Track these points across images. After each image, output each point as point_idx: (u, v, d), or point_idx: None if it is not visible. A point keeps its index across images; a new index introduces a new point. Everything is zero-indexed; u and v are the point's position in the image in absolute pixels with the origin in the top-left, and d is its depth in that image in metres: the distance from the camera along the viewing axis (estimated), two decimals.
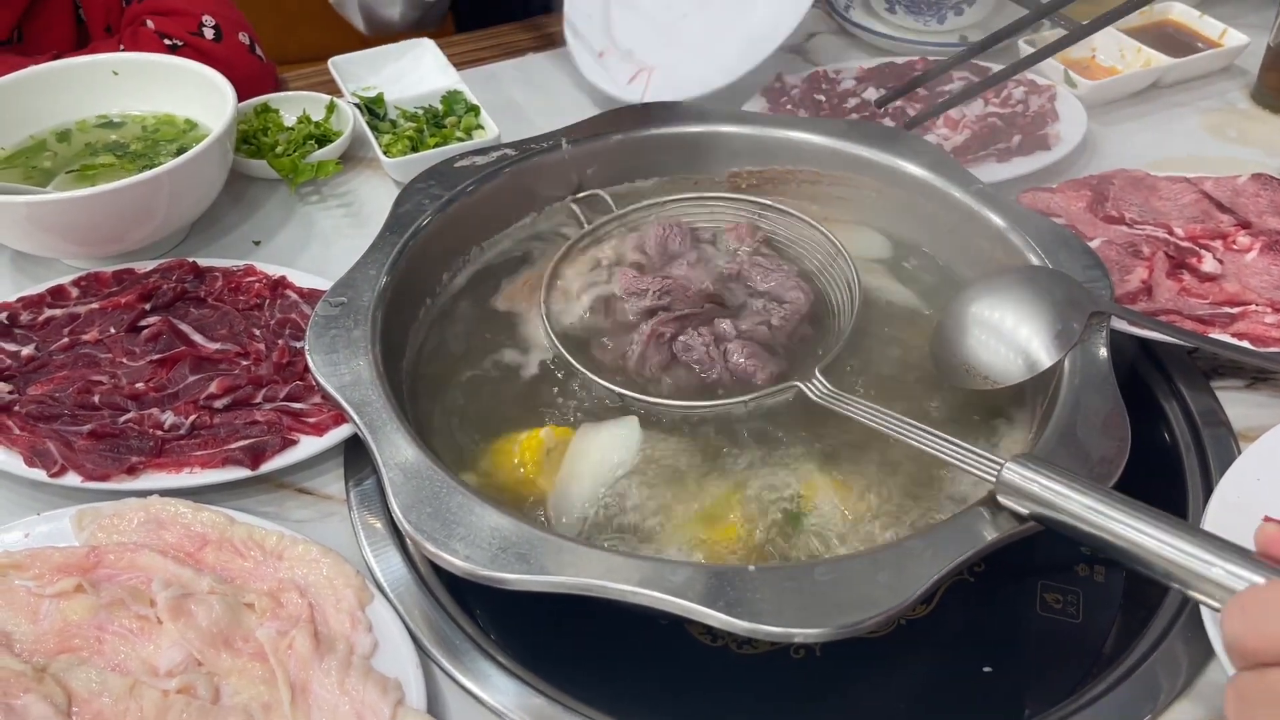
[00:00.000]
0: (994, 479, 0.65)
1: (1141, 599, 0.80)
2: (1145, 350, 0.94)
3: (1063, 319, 0.81)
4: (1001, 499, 0.65)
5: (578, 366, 0.83)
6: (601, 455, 0.78)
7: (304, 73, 1.39)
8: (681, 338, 0.85)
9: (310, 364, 0.79)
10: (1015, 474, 0.64)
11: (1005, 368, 0.81)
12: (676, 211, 0.99)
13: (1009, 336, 0.82)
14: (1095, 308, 0.82)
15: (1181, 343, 0.88)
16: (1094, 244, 0.97)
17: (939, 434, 0.70)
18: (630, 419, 0.81)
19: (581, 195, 1.01)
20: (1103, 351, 0.79)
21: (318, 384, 0.78)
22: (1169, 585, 0.59)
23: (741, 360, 0.83)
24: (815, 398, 0.78)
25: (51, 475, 0.80)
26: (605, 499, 0.77)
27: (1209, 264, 0.96)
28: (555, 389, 0.86)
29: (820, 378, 0.79)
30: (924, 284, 0.96)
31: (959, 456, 0.68)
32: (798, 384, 0.79)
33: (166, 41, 1.19)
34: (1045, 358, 0.80)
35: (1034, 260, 0.89)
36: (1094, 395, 0.76)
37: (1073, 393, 0.77)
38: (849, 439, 0.80)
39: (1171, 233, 0.99)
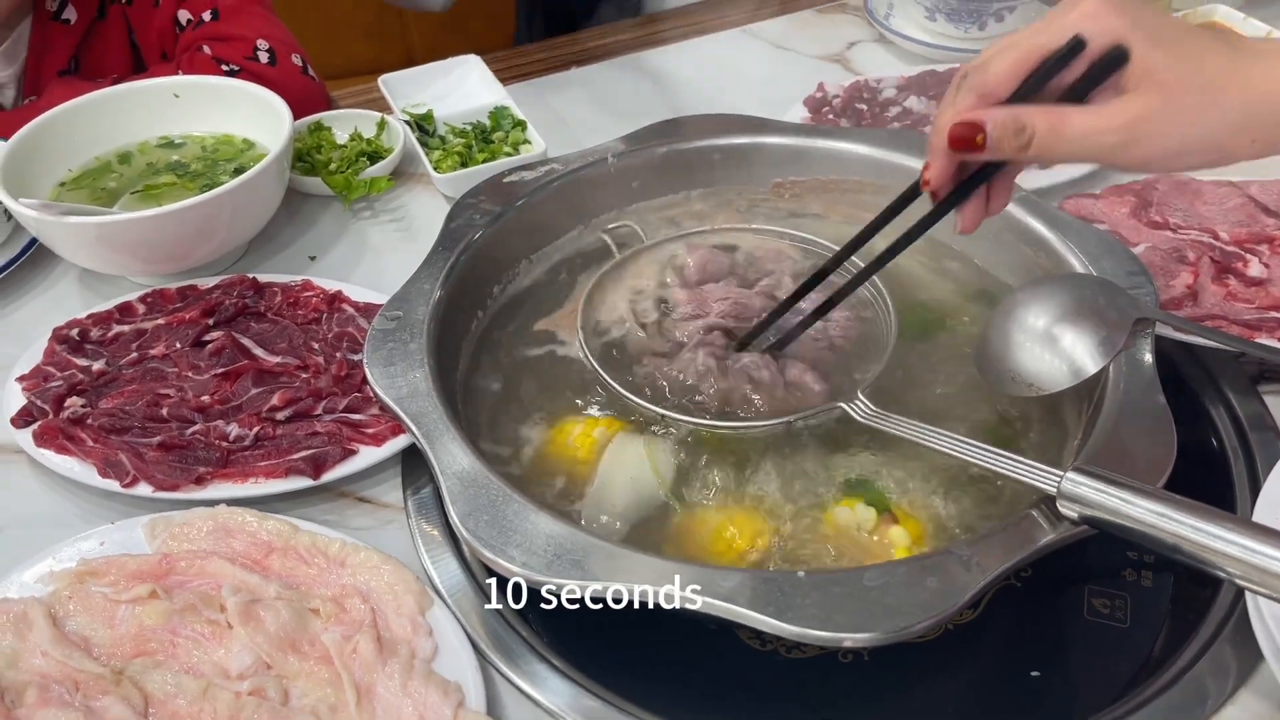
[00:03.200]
0: (1055, 489, 0.66)
1: (1190, 603, 0.81)
2: (1191, 355, 0.94)
3: (1107, 326, 0.82)
4: (1063, 508, 0.66)
5: (621, 391, 0.84)
6: (638, 467, 0.80)
7: (354, 90, 1.43)
8: (745, 359, 0.86)
9: (369, 377, 0.82)
10: (1076, 483, 0.65)
11: (1051, 374, 0.82)
12: (709, 240, 1.00)
13: (1054, 344, 0.83)
14: (1140, 314, 0.82)
15: (1228, 348, 0.88)
16: (1138, 250, 0.98)
17: (993, 449, 0.71)
18: (667, 438, 0.83)
19: (612, 226, 1.03)
20: (1148, 357, 0.80)
21: (376, 396, 0.81)
22: (1234, 584, 0.60)
23: (805, 378, 0.85)
24: (860, 418, 0.79)
25: (124, 486, 0.83)
26: (643, 513, 0.78)
27: (1255, 269, 0.96)
28: (603, 396, 0.88)
29: (863, 398, 0.80)
30: (967, 293, 0.97)
31: (1016, 469, 0.69)
32: (841, 405, 0.80)
33: (224, 67, 1.23)
34: (1090, 364, 0.80)
35: (1078, 267, 0.89)
36: (1140, 401, 0.77)
37: (1118, 399, 0.78)
38: (889, 458, 0.81)
39: (1216, 238, 0.99)
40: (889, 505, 0.78)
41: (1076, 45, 0.63)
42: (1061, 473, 0.66)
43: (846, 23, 1.53)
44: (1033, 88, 0.65)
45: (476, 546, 0.69)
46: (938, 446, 0.74)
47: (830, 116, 1.24)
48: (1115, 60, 0.63)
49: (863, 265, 0.81)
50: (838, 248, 0.83)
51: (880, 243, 0.78)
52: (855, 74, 1.39)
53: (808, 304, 0.86)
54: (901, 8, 1.47)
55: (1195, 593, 0.80)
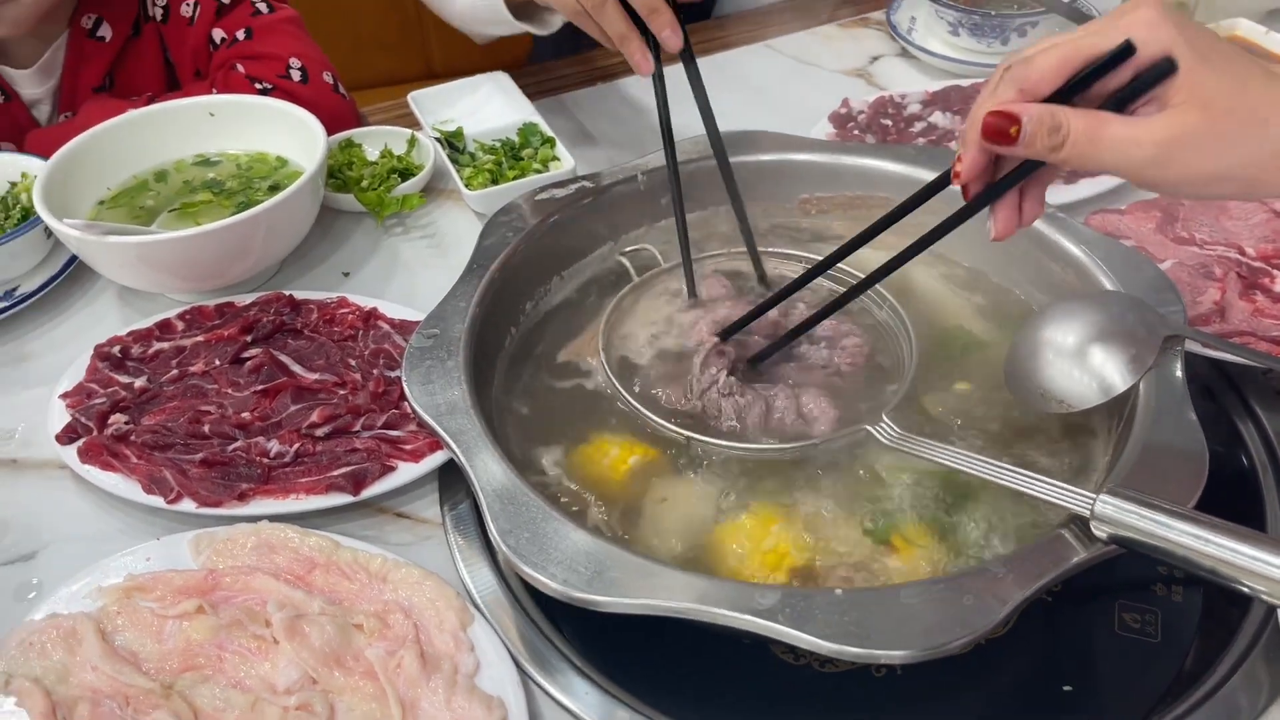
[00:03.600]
0: (1089, 511, 0.67)
1: (1221, 619, 0.81)
2: (1220, 371, 0.95)
3: (1137, 343, 0.82)
4: (1095, 529, 0.67)
5: (649, 415, 0.85)
6: (686, 510, 0.81)
7: (382, 106, 1.45)
8: (757, 385, 0.87)
9: (407, 394, 0.83)
10: (1109, 506, 0.66)
11: (1081, 392, 0.82)
12: (725, 264, 1.02)
13: (1084, 361, 0.83)
14: (1169, 331, 0.83)
15: (1256, 364, 0.89)
16: (1165, 266, 0.99)
17: (1024, 471, 0.72)
18: (701, 475, 0.84)
19: (629, 249, 1.04)
20: (1179, 374, 0.81)
21: (415, 413, 0.82)
22: (1267, 603, 0.61)
23: (813, 405, 0.86)
24: (885, 441, 0.80)
25: (169, 502, 0.85)
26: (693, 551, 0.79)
27: None
28: (629, 418, 0.88)
29: (888, 421, 0.81)
30: (993, 310, 0.97)
31: (1048, 492, 0.70)
32: (866, 427, 0.81)
33: (257, 85, 1.25)
34: (1120, 382, 0.81)
35: (1106, 284, 0.90)
36: (1171, 418, 0.77)
37: (1149, 416, 0.78)
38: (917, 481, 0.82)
39: (1243, 253, 1.00)
40: (889, 537, 0.79)
41: (1126, 50, 0.62)
42: (1094, 495, 0.67)
43: (869, 37, 1.54)
44: (1075, 89, 0.64)
45: (517, 563, 0.70)
46: (967, 469, 0.74)
47: (855, 132, 1.25)
48: (1163, 71, 0.62)
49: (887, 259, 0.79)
50: (852, 269, 0.84)
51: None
52: (879, 89, 1.40)
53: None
54: (924, 22, 1.48)
55: (1226, 608, 0.81)
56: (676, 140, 0.99)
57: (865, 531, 0.79)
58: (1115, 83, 0.64)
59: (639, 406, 0.86)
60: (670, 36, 0.95)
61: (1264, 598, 0.62)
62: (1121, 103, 0.64)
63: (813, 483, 0.82)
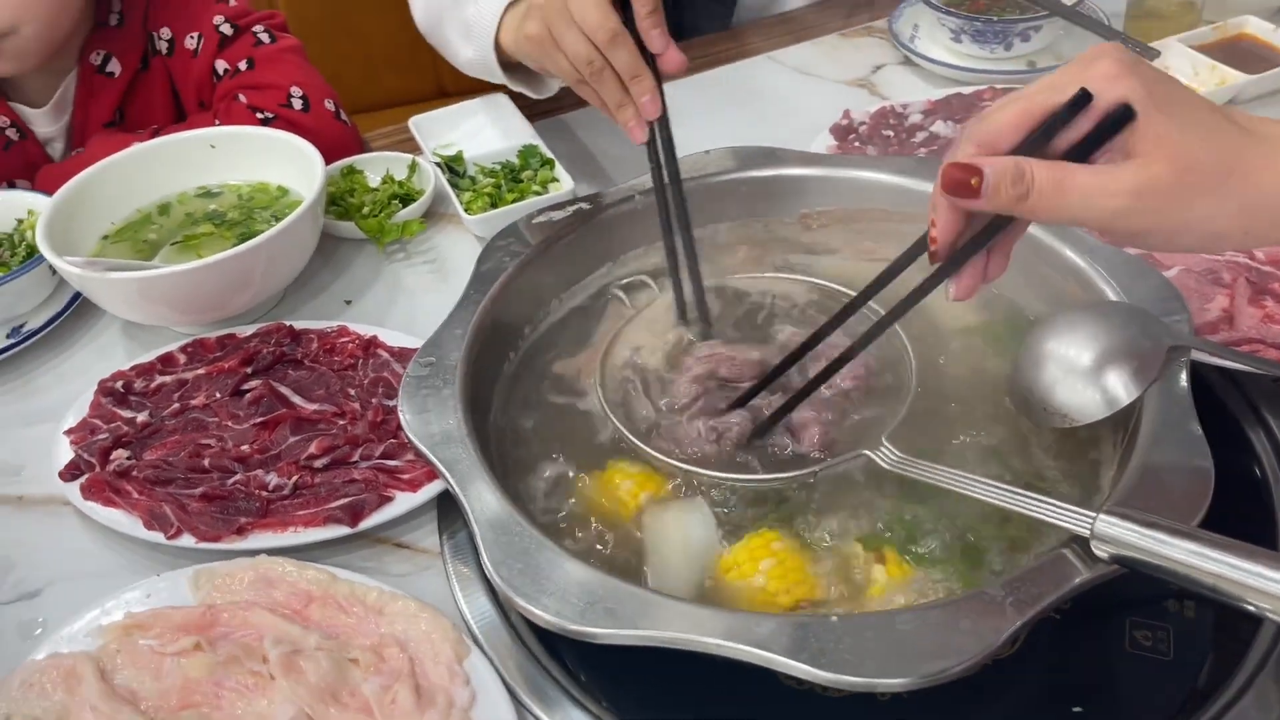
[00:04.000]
0: (1088, 531, 0.66)
1: (1234, 634, 0.79)
2: (1229, 380, 0.93)
3: (1141, 355, 0.81)
4: (1096, 549, 0.66)
5: (643, 448, 0.84)
6: (683, 537, 0.80)
7: (384, 131, 1.45)
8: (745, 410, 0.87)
9: (403, 423, 0.83)
10: (1110, 525, 0.65)
11: (1084, 406, 0.81)
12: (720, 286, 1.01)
13: (1087, 374, 0.82)
14: (1174, 342, 0.82)
15: (1266, 373, 0.87)
16: (1171, 273, 0.97)
17: (1023, 492, 0.71)
18: (696, 500, 0.83)
19: (624, 280, 1.04)
20: (1183, 387, 0.79)
21: (411, 442, 0.82)
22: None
23: (816, 431, 0.85)
24: (885, 465, 0.79)
25: (169, 538, 0.85)
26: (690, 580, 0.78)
27: None
28: (627, 450, 0.87)
29: (888, 444, 0.80)
30: (992, 323, 0.96)
31: (1048, 511, 0.69)
32: (866, 452, 0.80)
33: (259, 115, 1.26)
34: (1124, 395, 0.80)
35: (1109, 294, 0.89)
36: (1175, 431, 0.76)
37: (1153, 429, 0.77)
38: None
39: (1252, 258, 0.98)
40: (881, 545, 0.78)
41: (1082, 98, 0.62)
42: (1094, 514, 0.66)
43: (871, 46, 1.53)
44: (1036, 143, 0.64)
45: (510, 595, 0.70)
46: (967, 491, 0.73)
47: (857, 144, 1.24)
48: (1121, 118, 0.61)
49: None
50: (850, 290, 0.82)
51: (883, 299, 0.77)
52: (881, 98, 1.39)
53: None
54: (927, 30, 1.47)
55: (1239, 624, 0.79)
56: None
57: (861, 544, 0.78)
58: (1076, 134, 0.63)
59: (637, 441, 0.85)
60: (649, 104, 0.96)
61: (1270, 616, 0.61)
62: (1083, 153, 0.63)
63: (811, 509, 0.81)
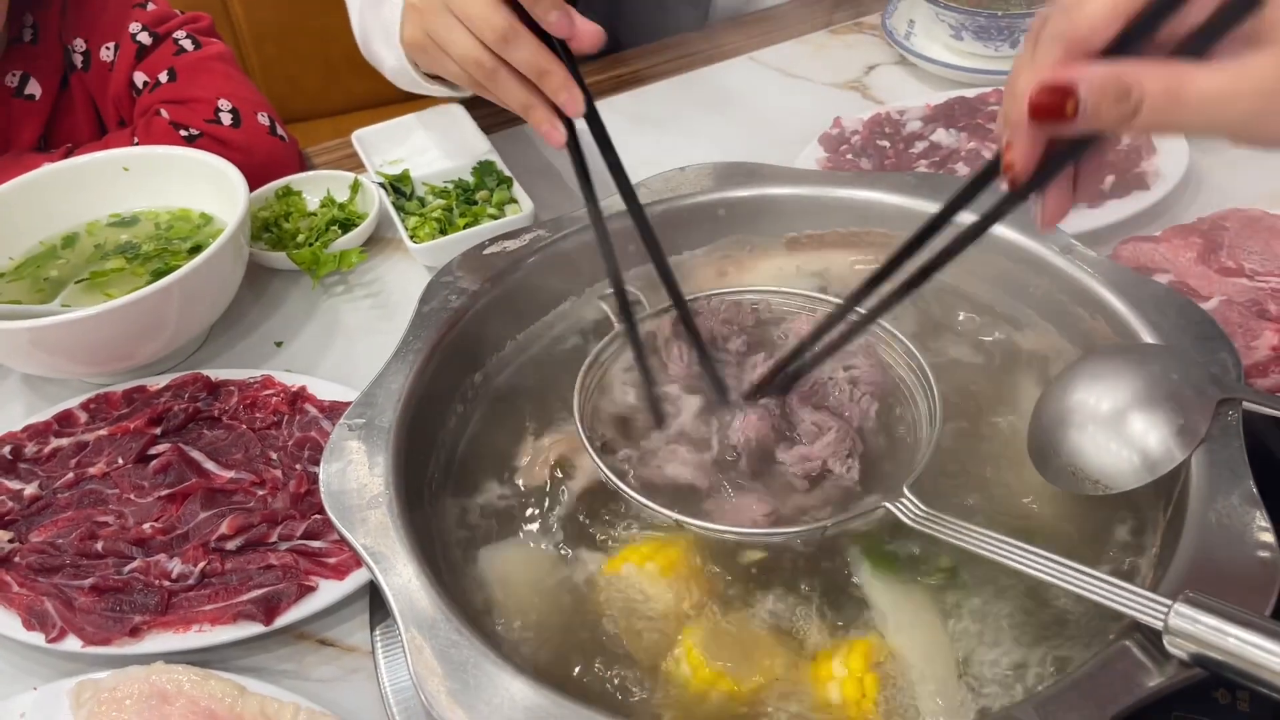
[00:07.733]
0: (1162, 623, 0.54)
1: None
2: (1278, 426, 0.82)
3: (1184, 409, 0.69)
4: (1170, 646, 0.55)
5: (644, 502, 0.71)
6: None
7: (329, 146, 1.32)
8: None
9: (324, 501, 0.71)
10: (1189, 619, 0.54)
11: (1120, 470, 0.69)
12: (715, 304, 0.88)
13: (1122, 431, 0.70)
14: (1223, 394, 0.70)
15: None
16: (1210, 305, 0.85)
17: (1079, 566, 0.59)
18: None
19: (610, 293, 0.91)
20: (1237, 446, 0.67)
21: (333, 524, 0.70)
22: None
23: (836, 465, 0.73)
24: (908, 520, 0.67)
25: (50, 641, 0.72)
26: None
27: None
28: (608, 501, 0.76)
29: (910, 495, 0.68)
30: (1013, 364, 0.84)
31: (1109, 593, 0.57)
32: (885, 504, 0.68)
33: (182, 132, 1.13)
34: (1167, 459, 0.68)
35: (1143, 334, 0.77)
36: (1230, 503, 0.64)
37: (1203, 499, 0.65)
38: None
39: None
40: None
41: None
42: (1169, 602, 0.54)
43: (863, 44, 1.41)
44: (1138, 35, 0.50)
45: (439, 716, 0.58)
46: (1006, 560, 0.61)
47: (849, 156, 1.12)
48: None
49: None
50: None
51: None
52: (875, 102, 1.26)
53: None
54: (924, 26, 1.34)
55: None
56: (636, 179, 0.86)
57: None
58: (1190, 21, 0.50)
59: (620, 484, 0.72)
60: (568, 101, 0.82)
61: None
62: (1200, 46, 0.49)
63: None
